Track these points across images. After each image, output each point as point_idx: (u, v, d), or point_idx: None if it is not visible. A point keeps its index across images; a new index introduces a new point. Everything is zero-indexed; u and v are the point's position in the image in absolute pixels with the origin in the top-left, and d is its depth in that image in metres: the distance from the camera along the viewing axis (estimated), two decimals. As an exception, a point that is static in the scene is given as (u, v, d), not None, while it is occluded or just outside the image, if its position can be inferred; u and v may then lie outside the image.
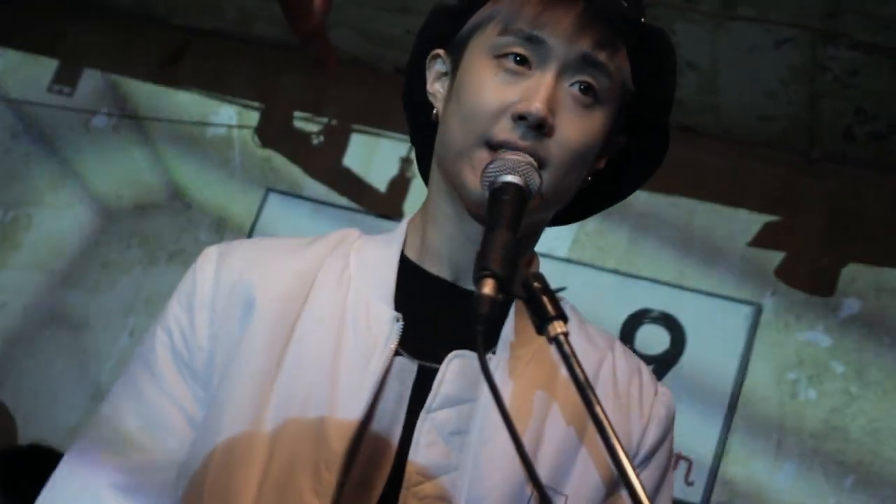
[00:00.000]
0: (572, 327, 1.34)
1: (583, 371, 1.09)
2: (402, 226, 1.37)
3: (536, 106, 1.22)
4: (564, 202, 1.32)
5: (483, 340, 1.06)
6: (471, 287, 1.20)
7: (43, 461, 3.14)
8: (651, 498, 1.31)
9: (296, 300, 1.28)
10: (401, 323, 1.27)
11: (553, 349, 1.10)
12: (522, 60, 1.25)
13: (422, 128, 1.38)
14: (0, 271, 4.32)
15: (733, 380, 3.75)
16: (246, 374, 1.25)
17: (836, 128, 3.79)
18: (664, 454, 1.35)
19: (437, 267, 1.31)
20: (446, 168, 1.29)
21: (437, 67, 1.35)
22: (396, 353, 1.26)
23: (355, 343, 1.26)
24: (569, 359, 1.09)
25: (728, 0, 3.33)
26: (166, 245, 4.26)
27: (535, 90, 1.24)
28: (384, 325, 1.26)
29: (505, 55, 1.26)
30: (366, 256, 1.34)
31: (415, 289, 1.31)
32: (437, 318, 1.28)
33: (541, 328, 1.11)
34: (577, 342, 1.32)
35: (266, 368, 1.25)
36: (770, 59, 3.52)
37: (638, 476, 1.06)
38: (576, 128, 1.25)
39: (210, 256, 1.33)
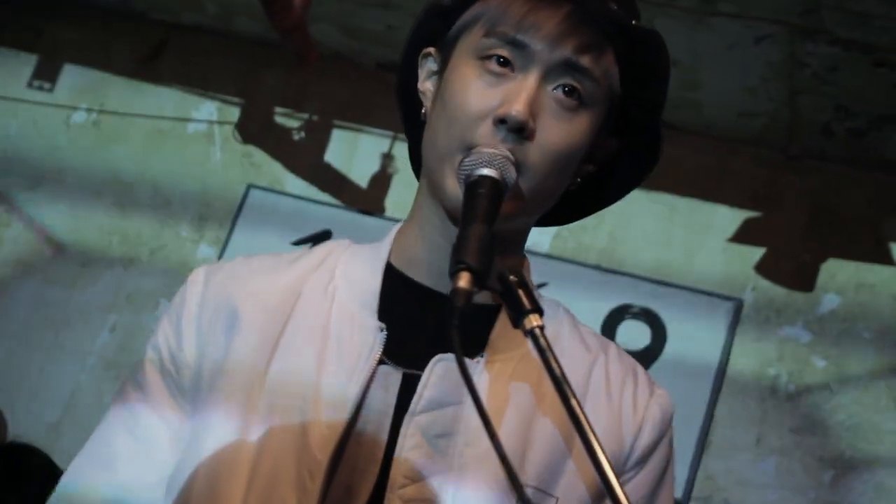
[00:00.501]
0: (564, 329, 1.34)
1: (559, 365, 1.09)
2: (391, 234, 1.36)
3: (517, 108, 1.21)
4: (546, 206, 1.31)
5: (460, 337, 1.06)
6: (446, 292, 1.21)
7: (22, 458, 3.12)
8: (648, 500, 1.31)
9: (281, 313, 1.29)
10: (384, 332, 1.26)
11: (531, 344, 1.10)
12: (505, 63, 1.25)
13: (415, 126, 1.37)
14: (-21, 268, 4.30)
15: (714, 375, 3.76)
16: (230, 387, 1.26)
17: (816, 124, 3.81)
18: (661, 456, 1.33)
19: (422, 274, 1.31)
20: (429, 171, 1.29)
21: (428, 65, 1.35)
22: (381, 363, 1.25)
23: (339, 354, 1.26)
24: (544, 352, 1.09)
25: (708, -4, 3.34)
26: (147, 241, 4.25)
27: (517, 93, 1.23)
28: (368, 335, 1.26)
29: (488, 57, 1.25)
30: (351, 267, 1.33)
31: (399, 297, 1.30)
32: (421, 325, 1.28)
33: (516, 321, 1.11)
34: (570, 344, 1.33)
35: (250, 381, 1.25)
36: (750, 56, 3.53)
37: (612, 467, 1.06)
38: (557, 131, 1.24)
39: (198, 276, 1.34)
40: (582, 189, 1.36)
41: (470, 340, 1.26)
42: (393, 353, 1.26)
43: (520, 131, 1.22)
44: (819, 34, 3.37)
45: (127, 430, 1.31)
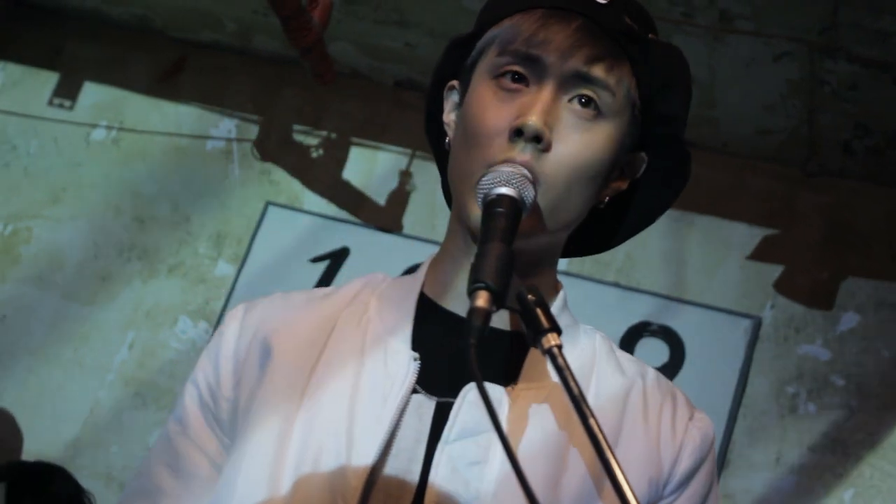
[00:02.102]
0: (601, 355, 1.34)
1: (577, 385, 1.09)
2: (424, 265, 1.37)
3: (532, 119, 1.22)
4: (570, 222, 1.30)
5: (477, 356, 1.06)
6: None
7: (48, 479, 3.13)
8: None
9: (315, 345, 1.31)
10: (418, 362, 1.27)
11: (549, 364, 1.10)
12: (520, 78, 1.26)
13: (445, 159, 1.38)
14: (0, 285, 4.32)
15: (732, 393, 3.74)
16: (265, 418, 1.27)
17: (835, 141, 3.79)
18: (702, 480, 1.32)
19: (454, 303, 1.31)
20: (454, 196, 1.30)
21: (452, 98, 1.36)
22: (415, 392, 1.26)
23: (373, 384, 1.26)
24: (562, 371, 1.08)
25: (725, 14, 3.34)
26: (166, 258, 4.26)
27: (531, 105, 1.24)
28: (401, 364, 1.27)
29: (503, 74, 1.26)
30: (385, 299, 1.34)
31: (433, 327, 1.31)
32: (454, 353, 1.25)
33: (534, 341, 1.11)
34: (606, 369, 1.32)
35: (285, 412, 1.26)
36: (768, 73, 3.53)
37: (631, 487, 1.05)
38: (575, 142, 1.24)
39: (237, 313, 1.37)
40: (610, 213, 1.35)
41: (502, 368, 1.27)
42: (426, 382, 1.26)
43: (537, 141, 1.22)
44: (838, 52, 3.36)
45: (167, 464, 1.33)
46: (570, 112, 1.25)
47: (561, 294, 1.35)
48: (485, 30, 1.32)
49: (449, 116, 1.35)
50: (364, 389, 1.26)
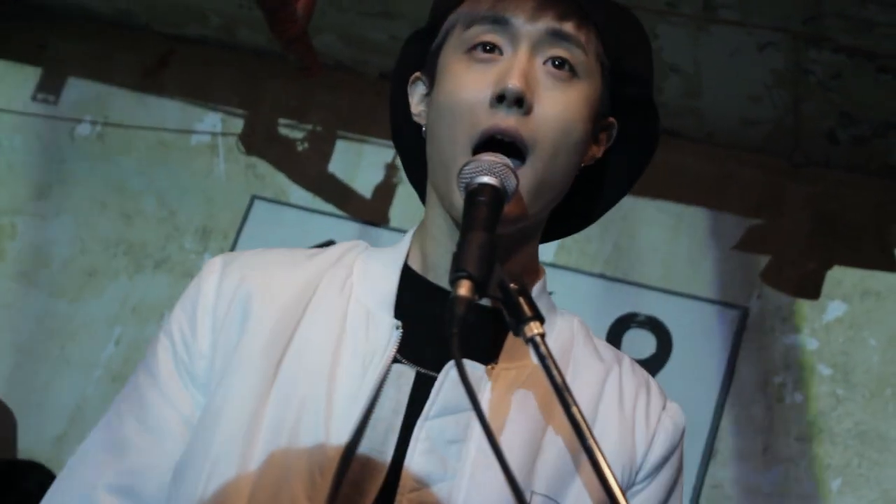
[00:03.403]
0: (578, 341, 1.35)
1: (560, 373, 1.10)
2: (408, 236, 1.37)
3: (512, 82, 1.22)
4: (554, 199, 1.31)
5: (460, 344, 1.06)
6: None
7: (23, 475, 3.13)
8: None
9: (296, 308, 1.29)
10: (400, 331, 1.27)
11: (532, 352, 1.10)
12: (492, 48, 1.26)
13: (415, 155, 1.38)
14: (-16, 281, 4.30)
15: (720, 383, 3.75)
16: (242, 380, 1.25)
17: (820, 131, 3.80)
18: (672, 468, 1.34)
19: (437, 276, 1.32)
20: (434, 180, 1.30)
21: (418, 90, 1.36)
22: (395, 361, 1.26)
23: (354, 350, 1.26)
24: (545, 359, 1.09)
25: (709, 3, 3.33)
26: (152, 253, 4.25)
27: (509, 69, 1.24)
28: (383, 332, 1.27)
29: (474, 47, 1.27)
30: (369, 266, 1.34)
31: (416, 298, 1.31)
32: (437, 326, 1.26)
33: (517, 329, 1.11)
34: (583, 355, 1.34)
35: (263, 374, 1.25)
36: (753, 63, 3.53)
37: (614, 474, 1.06)
38: (556, 102, 1.25)
39: (214, 266, 1.35)
40: (587, 185, 1.35)
41: (484, 346, 1.28)
42: (407, 351, 1.27)
43: (519, 104, 1.23)
44: (823, 41, 3.37)
45: (136, 417, 1.30)
46: (546, 74, 1.26)
47: (542, 279, 1.35)
48: (442, 19, 1.33)
49: (418, 108, 1.36)
50: (345, 355, 1.25)
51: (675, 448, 1.34)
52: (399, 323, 1.27)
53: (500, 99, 1.23)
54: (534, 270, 1.35)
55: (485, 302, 1.27)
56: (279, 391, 1.24)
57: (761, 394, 3.78)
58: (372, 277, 1.32)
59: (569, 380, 1.28)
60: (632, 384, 1.34)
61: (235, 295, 1.30)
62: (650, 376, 1.38)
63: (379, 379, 1.24)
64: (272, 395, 1.24)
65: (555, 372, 1.09)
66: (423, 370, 1.26)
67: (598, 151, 1.34)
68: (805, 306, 3.86)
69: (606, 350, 1.37)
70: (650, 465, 1.31)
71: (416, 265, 1.34)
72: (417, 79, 1.36)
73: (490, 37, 1.26)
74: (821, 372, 3.78)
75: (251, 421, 1.23)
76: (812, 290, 3.86)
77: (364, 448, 1.21)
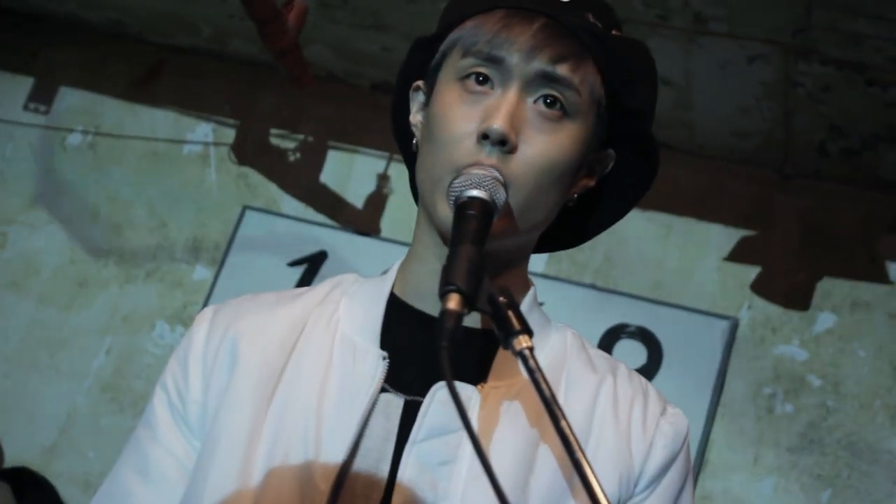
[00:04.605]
0: (571, 352, 1.33)
1: (549, 387, 1.09)
2: (395, 266, 1.37)
3: (497, 122, 1.22)
4: (540, 223, 1.30)
5: (450, 358, 1.06)
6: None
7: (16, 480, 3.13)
8: None
9: (285, 346, 1.30)
10: (386, 361, 1.27)
11: (521, 366, 1.10)
12: (484, 80, 1.26)
13: (414, 159, 1.38)
14: (-25, 290, 4.29)
15: (710, 394, 3.75)
16: (233, 421, 1.27)
17: (810, 143, 3.81)
18: (675, 475, 1.31)
19: (423, 302, 1.31)
20: (423, 197, 1.30)
21: (418, 99, 1.36)
22: (383, 391, 1.26)
23: (342, 384, 1.26)
24: (534, 373, 1.08)
25: (700, 16, 3.35)
26: (143, 263, 4.24)
27: (497, 108, 1.24)
28: (370, 363, 1.27)
29: (467, 76, 1.26)
30: (355, 299, 1.34)
31: (402, 326, 1.31)
32: (423, 352, 1.27)
33: (506, 343, 1.11)
34: (576, 366, 1.32)
35: (254, 414, 1.26)
36: (743, 75, 3.54)
37: (604, 491, 1.05)
38: (541, 143, 1.24)
39: (205, 315, 1.37)
40: (582, 208, 1.35)
41: (472, 366, 1.27)
42: (395, 380, 1.26)
43: (502, 144, 1.22)
44: (812, 54, 3.38)
45: (137, 469, 1.33)
46: (535, 113, 1.25)
47: (531, 292, 1.35)
48: (448, 31, 1.32)
49: (416, 117, 1.35)
50: (332, 389, 1.26)
51: (677, 454, 1.32)
52: (385, 353, 1.27)
53: (484, 136, 1.23)
54: (523, 285, 1.35)
55: (472, 323, 1.28)
56: (269, 429, 1.25)
57: (751, 405, 3.78)
58: (358, 310, 1.33)
59: (562, 393, 1.28)
60: (628, 392, 1.32)
61: (223, 340, 1.32)
62: (649, 383, 1.37)
63: (366, 410, 1.24)
64: (263, 433, 1.25)
65: (543, 385, 1.08)
66: (410, 397, 1.26)
67: (590, 182, 1.34)
68: (795, 317, 3.87)
69: (601, 360, 1.36)
70: (650, 473, 1.29)
71: (401, 292, 1.33)
72: (419, 88, 1.36)
73: (483, 71, 1.26)
74: (811, 383, 3.79)
75: (244, 458, 1.24)
76: (802, 301, 3.87)
77: (355, 479, 1.22)
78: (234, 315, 1.35)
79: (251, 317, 1.34)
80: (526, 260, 1.36)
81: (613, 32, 1.31)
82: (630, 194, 1.40)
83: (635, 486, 1.28)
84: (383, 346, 1.29)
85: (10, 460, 3.53)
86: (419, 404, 1.25)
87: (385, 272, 1.38)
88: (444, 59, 1.31)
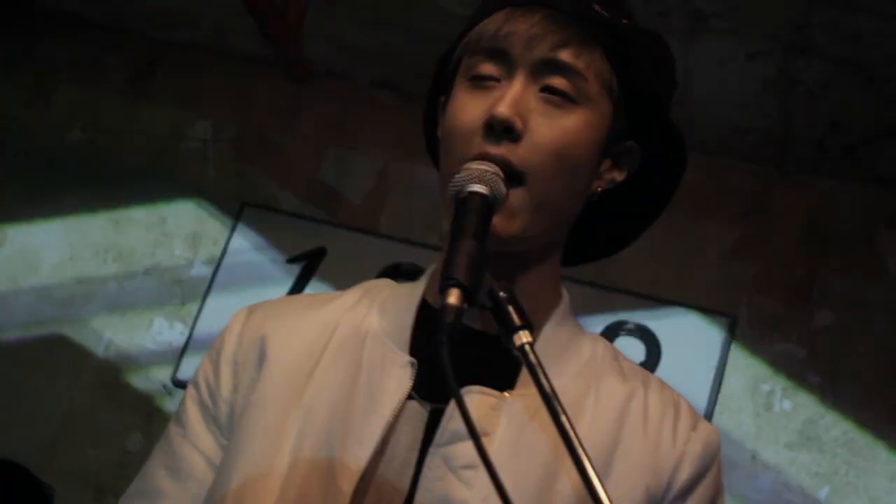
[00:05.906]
0: (603, 364, 1.34)
1: (549, 382, 1.08)
2: (428, 271, 1.38)
3: (500, 109, 1.22)
4: (560, 220, 1.30)
5: (450, 353, 1.06)
6: (477, 325, 1.24)
7: (4, 476, 3.12)
8: None
9: (314, 351, 1.31)
10: (414, 368, 1.26)
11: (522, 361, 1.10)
12: (491, 76, 1.26)
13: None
14: (-27, 286, 4.29)
15: (709, 391, 3.75)
16: (261, 417, 1.28)
17: (809, 139, 3.81)
18: (705, 491, 1.30)
19: None
20: (443, 201, 1.29)
21: (442, 113, 1.37)
22: (410, 398, 1.26)
23: (369, 389, 1.26)
24: (534, 369, 1.08)
25: (699, 13, 3.35)
26: (141, 260, 4.24)
27: (501, 97, 1.24)
28: (398, 369, 1.27)
29: (475, 73, 1.28)
30: (387, 305, 1.35)
31: (431, 332, 1.30)
32: (454, 359, 1.27)
33: (506, 339, 1.11)
34: (608, 376, 1.33)
35: (281, 412, 1.27)
36: (742, 72, 3.54)
37: (605, 488, 1.04)
38: (549, 129, 1.24)
39: (239, 315, 1.39)
40: (614, 210, 1.35)
41: (500, 374, 1.27)
42: (423, 387, 1.26)
43: (508, 132, 1.22)
44: (811, 50, 3.38)
45: (166, 466, 1.34)
46: (541, 101, 1.25)
47: (563, 301, 1.35)
48: (462, 39, 1.34)
49: (441, 129, 1.36)
50: (360, 395, 1.26)
51: (708, 469, 1.31)
52: (413, 360, 1.27)
53: (490, 126, 1.22)
54: (552, 293, 1.34)
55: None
56: (295, 426, 1.26)
57: (750, 402, 3.78)
58: (389, 315, 1.33)
59: (591, 402, 1.28)
60: (658, 406, 1.32)
61: (254, 340, 1.34)
62: (681, 396, 1.36)
63: (391, 416, 1.24)
64: (290, 431, 1.26)
65: (544, 381, 1.08)
66: (437, 406, 1.25)
67: (618, 176, 1.33)
68: (794, 314, 3.86)
69: (633, 371, 1.36)
70: (678, 487, 1.28)
71: (432, 298, 1.33)
72: (443, 101, 1.37)
73: (489, 67, 1.27)
74: (809, 380, 3.79)
75: (270, 458, 1.25)
76: (801, 297, 3.87)
77: (378, 482, 1.22)
78: (266, 316, 1.36)
79: (283, 319, 1.35)
80: (553, 265, 1.36)
81: (624, 21, 1.31)
82: (662, 188, 1.39)
83: (663, 499, 1.28)
84: (413, 351, 1.28)
85: (7, 456, 3.52)
86: (444, 411, 1.25)
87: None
88: (458, 65, 1.32)
